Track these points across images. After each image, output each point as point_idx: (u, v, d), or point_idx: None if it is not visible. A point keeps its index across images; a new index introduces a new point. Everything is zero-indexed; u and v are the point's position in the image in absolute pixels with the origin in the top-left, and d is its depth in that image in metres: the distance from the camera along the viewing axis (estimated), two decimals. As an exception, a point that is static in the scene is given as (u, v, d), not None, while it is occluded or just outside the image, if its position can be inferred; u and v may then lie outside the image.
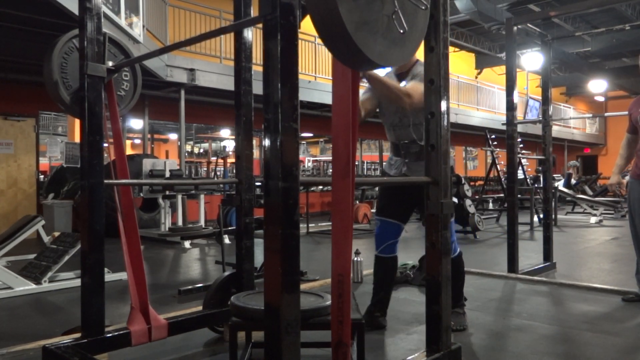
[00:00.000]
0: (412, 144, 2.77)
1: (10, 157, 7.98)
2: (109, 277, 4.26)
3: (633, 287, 3.83)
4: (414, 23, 1.44)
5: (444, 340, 1.82)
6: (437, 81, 1.81)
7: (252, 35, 2.77)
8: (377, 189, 12.35)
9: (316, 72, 10.44)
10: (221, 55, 9.02)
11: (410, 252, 5.98)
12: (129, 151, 15.79)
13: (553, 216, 7.93)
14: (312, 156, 21.90)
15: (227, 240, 5.95)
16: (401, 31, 1.36)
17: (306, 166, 18.54)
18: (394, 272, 2.99)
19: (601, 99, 22.37)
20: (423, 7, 1.45)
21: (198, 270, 5.27)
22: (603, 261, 5.63)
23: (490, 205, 12.43)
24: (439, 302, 1.81)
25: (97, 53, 2.20)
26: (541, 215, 5.40)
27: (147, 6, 7.12)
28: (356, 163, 14.23)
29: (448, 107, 1.84)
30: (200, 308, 2.81)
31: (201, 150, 23.23)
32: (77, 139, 7.90)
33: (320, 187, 11.20)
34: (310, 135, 16.42)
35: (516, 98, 4.61)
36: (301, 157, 18.62)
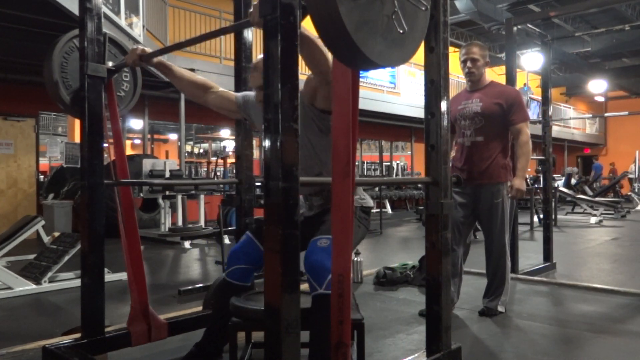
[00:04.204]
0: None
1: (10, 158, 7.98)
2: (109, 277, 4.26)
3: (633, 287, 3.84)
4: (414, 23, 1.44)
5: (444, 340, 1.82)
6: (437, 81, 1.82)
7: (252, 35, 2.77)
8: (376, 189, 12.37)
9: (316, 72, 10.41)
10: (221, 55, 9.02)
11: (410, 252, 5.98)
12: (129, 151, 15.79)
13: (553, 216, 7.93)
14: (312, 156, 21.83)
15: (227, 241, 5.95)
16: (401, 31, 1.36)
17: (306, 166, 18.50)
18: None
19: (601, 99, 22.39)
20: (423, 8, 1.45)
21: (198, 271, 5.27)
22: (603, 261, 5.63)
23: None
24: (439, 302, 1.81)
25: (97, 53, 2.20)
26: (541, 216, 5.40)
27: (147, 6, 7.12)
28: (356, 163, 14.20)
29: (448, 107, 1.84)
30: (200, 308, 2.81)
31: (201, 151, 23.20)
32: (77, 139, 7.89)
33: (320, 187, 11.17)
34: (310, 135, 16.39)
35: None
36: (301, 157, 18.52)
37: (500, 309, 3.16)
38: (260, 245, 2.20)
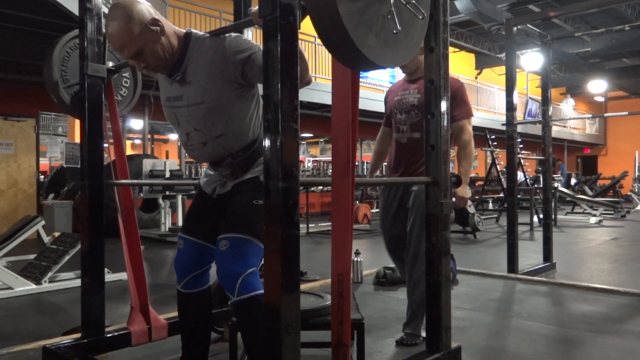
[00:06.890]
0: None
1: (11, 158, 7.98)
2: (109, 277, 4.26)
3: (633, 287, 3.84)
4: (412, 25, 1.44)
5: (444, 340, 1.82)
6: (437, 81, 1.82)
7: (252, 35, 2.77)
8: (378, 188, 12.35)
9: (316, 72, 10.44)
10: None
11: (410, 252, 5.98)
12: (129, 151, 15.79)
13: (553, 216, 7.93)
14: (312, 156, 21.89)
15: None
16: (394, 32, 1.36)
17: (306, 166, 18.54)
18: (202, 315, 2.20)
19: (601, 99, 22.40)
20: (420, 17, 1.45)
21: (198, 271, 5.26)
22: (603, 261, 5.63)
23: (490, 206, 12.43)
24: (439, 302, 1.81)
25: (97, 53, 2.20)
26: (541, 216, 5.41)
27: (147, 6, 7.11)
28: (356, 163, 14.23)
29: (448, 107, 1.84)
30: (200, 308, 2.80)
31: (201, 151, 23.14)
32: (77, 139, 7.89)
33: (320, 187, 11.19)
34: (310, 135, 16.41)
35: (516, 98, 4.62)
36: (301, 157, 18.62)
37: (424, 333, 2.15)
38: (196, 240, 2.12)
